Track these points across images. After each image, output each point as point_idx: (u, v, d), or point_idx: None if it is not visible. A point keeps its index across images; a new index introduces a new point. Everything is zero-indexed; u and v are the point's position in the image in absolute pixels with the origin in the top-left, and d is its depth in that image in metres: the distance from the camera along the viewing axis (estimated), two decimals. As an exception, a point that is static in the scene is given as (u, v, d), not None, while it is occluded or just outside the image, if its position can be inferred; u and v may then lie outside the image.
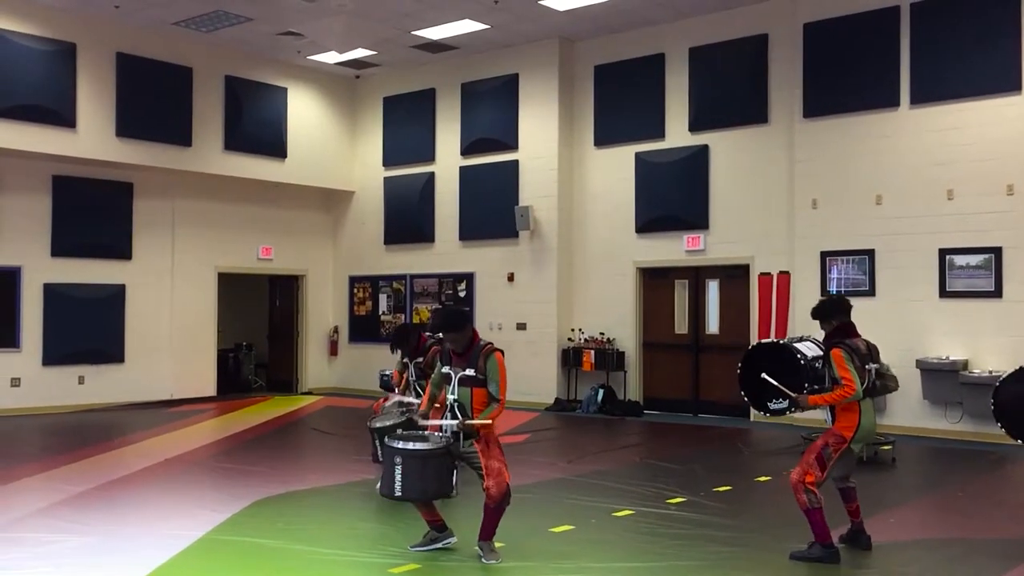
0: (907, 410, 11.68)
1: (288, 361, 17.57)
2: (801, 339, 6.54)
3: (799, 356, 6.16)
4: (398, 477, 5.67)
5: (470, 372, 5.83)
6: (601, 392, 14.07)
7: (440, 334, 6.10)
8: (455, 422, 5.77)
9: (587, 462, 9.75)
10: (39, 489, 8.14)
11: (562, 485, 8.47)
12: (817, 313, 6.34)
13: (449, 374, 5.93)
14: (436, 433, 5.85)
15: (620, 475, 8.97)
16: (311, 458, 10.52)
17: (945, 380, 11.23)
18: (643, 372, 14.34)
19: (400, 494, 5.73)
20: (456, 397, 5.85)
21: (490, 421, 5.77)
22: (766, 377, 6.14)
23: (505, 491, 5.78)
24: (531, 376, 14.65)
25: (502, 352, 5.93)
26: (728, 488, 8.34)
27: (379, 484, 6.01)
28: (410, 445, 5.71)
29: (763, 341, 6.99)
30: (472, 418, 5.79)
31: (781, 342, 6.50)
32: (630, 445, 11.11)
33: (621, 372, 14.26)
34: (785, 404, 6.19)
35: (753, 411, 12.93)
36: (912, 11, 11.74)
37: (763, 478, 8.97)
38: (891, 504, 7.67)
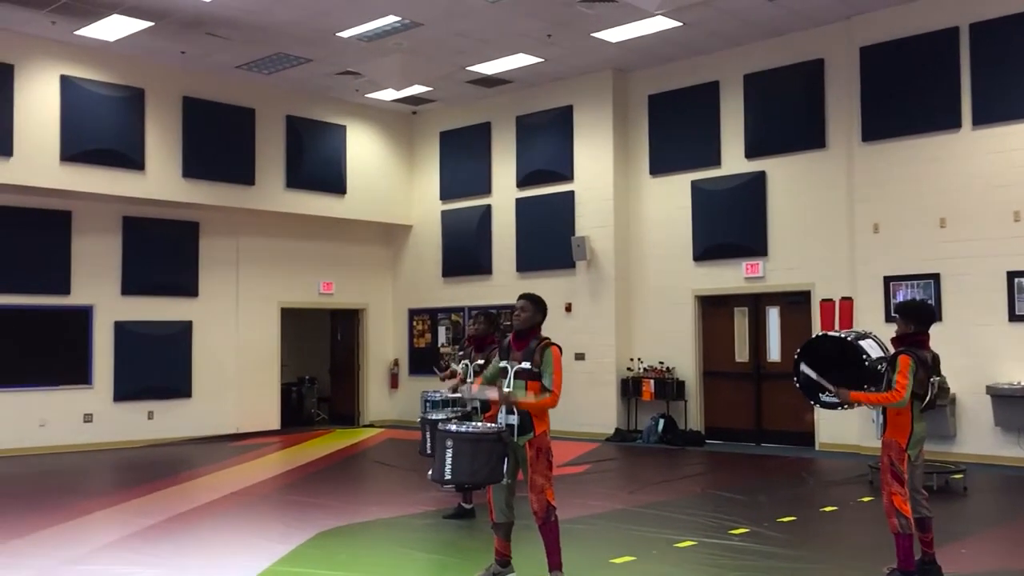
0: (978, 437, 11.38)
1: (350, 394, 17.78)
2: (866, 335, 6.44)
3: (864, 357, 6.10)
4: (448, 460, 5.65)
5: (526, 365, 5.82)
6: (661, 422, 13.95)
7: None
8: (514, 417, 5.73)
9: (648, 492, 9.67)
10: (111, 522, 8.36)
11: (623, 516, 8.41)
12: (909, 311, 6.17)
13: (506, 368, 5.93)
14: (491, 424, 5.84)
15: (682, 505, 8.87)
16: (373, 490, 10.61)
17: (1017, 406, 10.91)
18: (704, 401, 14.20)
19: (450, 477, 5.69)
20: (511, 390, 5.85)
21: (532, 399, 5.71)
22: (806, 370, 6.13)
23: (547, 506, 5.75)
24: (590, 406, 14.60)
25: (560, 348, 5.91)
26: (793, 519, 8.19)
27: (430, 471, 5.99)
28: (462, 428, 5.74)
29: (828, 333, 6.85)
30: (527, 412, 5.76)
31: (848, 338, 6.41)
32: (692, 475, 10.98)
33: (681, 401, 14.14)
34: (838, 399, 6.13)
35: (819, 440, 12.79)
36: (972, 31, 11.58)
37: (829, 508, 8.79)
38: (962, 534, 7.46)
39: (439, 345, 17.10)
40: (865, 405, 5.97)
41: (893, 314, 6.30)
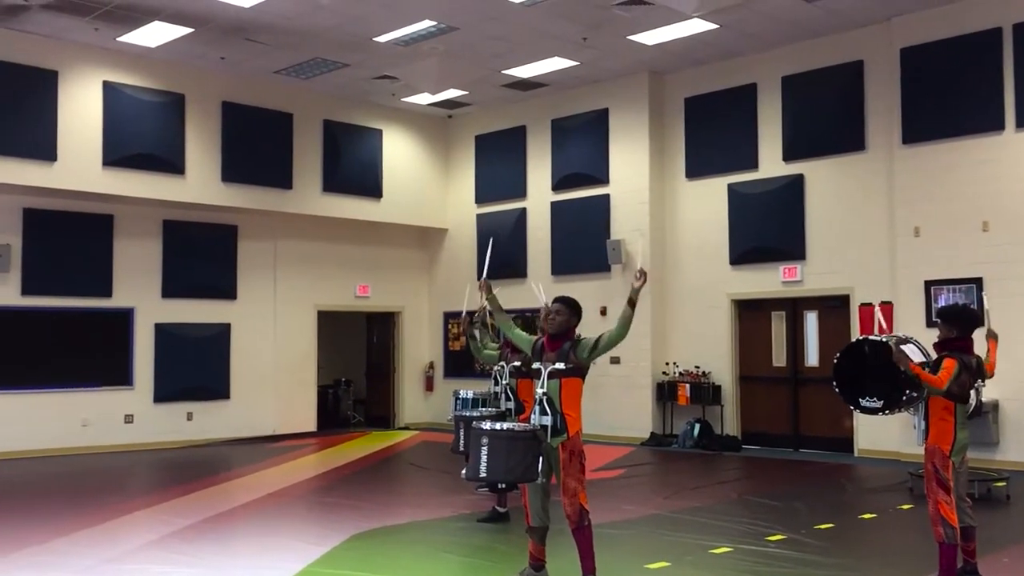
0: (1022, 445, 11.16)
1: (385, 397, 17.85)
2: (907, 340, 6.34)
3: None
4: (483, 458, 5.67)
5: (560, 365, 5.85)
6: (697, 426, 13.87)
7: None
8: (547, 419, 5.73)
9: (684, 498, 9.61)
10: (150, 522, 8.46)
11: (658, 521, 8.37)
12: (953, 316, 6.11)
13: (539, 369, 5.94)
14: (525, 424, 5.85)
15: (718, 511, 8.81)
16: (408, 492, 10.66)
17: (1063, 413, 10.70)
18: (740, 406, 14.07)
19: (485, 474, 5.71)
20: (545, 391, 5.84)
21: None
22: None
23: (580, 510, 5.73)
24: (625, 410, 14.54)
25: None
26: (831, 526, 8.10)
27: (464, 470, 6.01)
28: (497, 426, 5.76)
29: (869, 337, 6.74)
30: (561, 413, 5.75)
31: (890, 342, 6.31)
32: (728, 481, 10.90)
33: (717, 406, 14.03)
34: (879, 404, 6.04)
35: (858, 446, 12.63)
36: (1016, 32, 11.38)
37: (868, 515, 8.67)
38: (1005, 543, 7.33)
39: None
40: (918, 380, 5.84)
41: (935, 319, 6.20)
